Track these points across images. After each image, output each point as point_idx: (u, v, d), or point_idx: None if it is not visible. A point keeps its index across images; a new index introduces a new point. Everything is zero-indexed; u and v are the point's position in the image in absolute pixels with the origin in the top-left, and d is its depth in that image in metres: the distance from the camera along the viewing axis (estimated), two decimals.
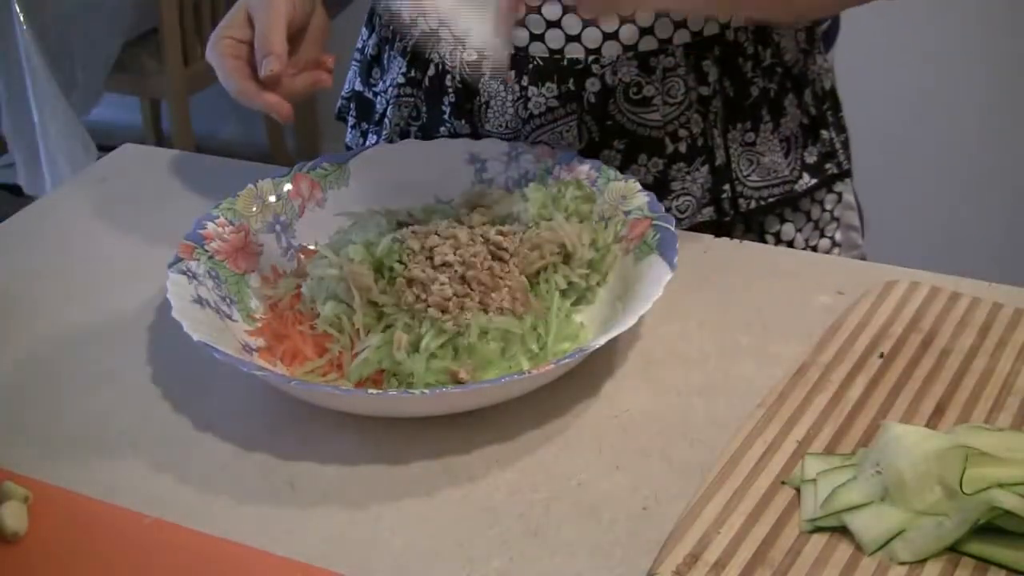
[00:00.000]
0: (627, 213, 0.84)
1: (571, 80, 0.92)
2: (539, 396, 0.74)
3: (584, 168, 0.87)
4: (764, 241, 0.99)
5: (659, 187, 0.94)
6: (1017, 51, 2.22)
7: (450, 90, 0.96)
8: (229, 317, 0.79)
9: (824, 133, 1.00)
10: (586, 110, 0.93)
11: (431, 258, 0.79)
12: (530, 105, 0.93)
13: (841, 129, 1.02)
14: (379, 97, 1.05)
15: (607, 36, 0.90)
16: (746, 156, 0.96)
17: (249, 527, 0.67)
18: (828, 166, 1.00)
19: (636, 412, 0.74)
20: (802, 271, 0.88)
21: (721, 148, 0.95)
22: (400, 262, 0.79)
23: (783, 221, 1.00)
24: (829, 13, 0.98)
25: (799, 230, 1.00)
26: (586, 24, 0.90)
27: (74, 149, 2.33)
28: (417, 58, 0.98)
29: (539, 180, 0.89)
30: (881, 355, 0.75)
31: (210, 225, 0.83)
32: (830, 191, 1.01)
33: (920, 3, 2.16)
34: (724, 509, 0.64)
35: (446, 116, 0.97)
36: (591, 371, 0.77)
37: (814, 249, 1.01)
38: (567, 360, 0.70)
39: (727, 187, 0.95)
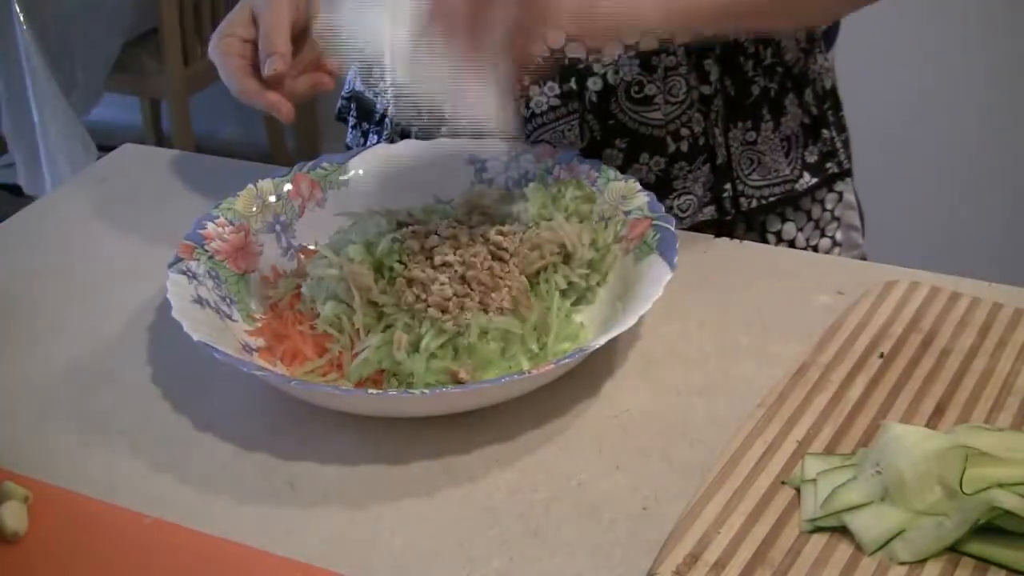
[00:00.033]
0: (627, 213, 0.84)
1: (572, 79, 0.92)
2: (539, 396, 0.74)
3: (584, 168, 0.87)
4: (765, 240, 0.99)
5: (661, 186, 0.94)
6: (1017, 51, 2.22)
7: None
8: (229, 317, 0.79)
9: (825, 132, 1.00)
10: (588, 109, 0.93)
11: (431, 258, 0.79)
12: (531, 104, 0.93)
13: (842, 128, 1.02)
14: (379, 97, 1.05)
15: None
16: (747, 155, 0.96)
17: (249, 527, 0.67)
18: (829, 165, 1.00)
19: (636, 412, 0.74)
20: (802, 271, 0.88)
21: (722, 147, 0.95)
22: (400, 262, 0.79)
23: (784, 220, 1.00)
24: (817, 23, 0.98)
25: (800, 229, 1.00)
26: None
27: (74, 149, 2.33)
28: None
29: (539, 180, 0.89)
30: (881, 355, 0.75)
31: (210, 225, 0.83)
32: (831, 190, 1.01)
33: (920, 3, 2.16)
34: (724, 509, 0.64)
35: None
36: (591, 371, 0.77)
37: (815, 248, 1.01)
38: (567, 360, 0.70)
39: (728, 186, 0.96)
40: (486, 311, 0.75)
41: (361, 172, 0.91)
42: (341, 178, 0.91)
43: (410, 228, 0.82)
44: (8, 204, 1.96)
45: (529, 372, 0.71)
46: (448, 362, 0.73)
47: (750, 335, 0.80)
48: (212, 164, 1.10)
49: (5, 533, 0.64)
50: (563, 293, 0.80)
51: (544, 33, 0.75)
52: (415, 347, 0.74)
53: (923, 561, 0.60)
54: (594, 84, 0.92)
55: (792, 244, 1.00)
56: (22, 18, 2.28)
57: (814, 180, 0.99)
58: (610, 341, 0.72)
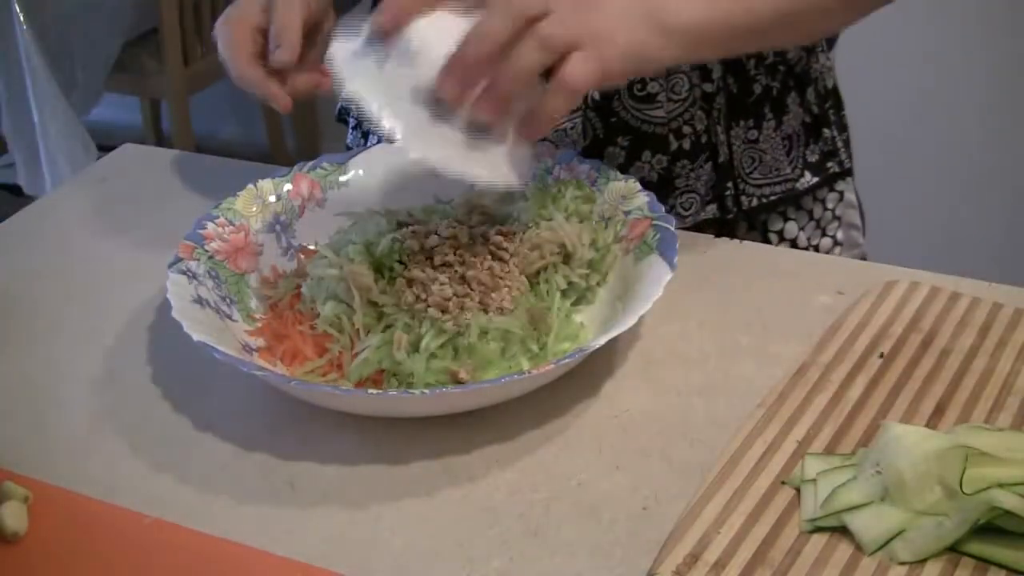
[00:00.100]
0: (627, 213, 0.84)
1: None
2: (539, 396, 0.73)
3: (584, 168, 0.87)
4: (767, 239, 0.99)
5: (663, 184, 0.94)
6: (1017, 51, 2.22)
7: None
8: (229, 317, 0.79)
9: (826, 131, 1.00)
10: (590, 107, 0.93)
11: (431, 258, 0.79)
12: None
13: (843, 128, 1.03)
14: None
15: None
16: (749, 153, 0.96)
17: (249, 527, 0.67)
18: (830, 164, 1.00)
19: (636, 412, 0.74)
20: (802, 271, 0.88)
21: (724, 145, 0.95)
22: (400, 262, 0.79)
23: (786, 219, 1.00)
24: (820, 37, 0.98)
25: (801, 228, 1.00)
26: None
27: (74, 149, 2.33)
28: None
29: (539, 180, 0.89)
30: (881, 355, 0.75)
31: (210, 225, 0.83)
32: (832, 189, 1.01)
33: (920, 3, 2.16)
34: (724, 509, 0.64)
35: None
36: (591, 371, 0.77)
37: (816, 248, 1.01)
38: (567, 360, 0.70)
39: (730, 185, 0.96)
40: (486, 311, 0.75)
41: (361, 172, 0.91)
42: (341, 178, 0.91)
43: (410, 228, 0.82)
44: (8, 204, 1.96)
45: (529, 372, 0.70)
46: (448, 362, 0.73)
47: (750, 335, 0.80)
48: (212, 164, 1.10)
49: (5, 533, 0.64)
50: (563, 293, 0.80)
51: (572, 91, 0.75)
52: (415, 347, 0.74)
53: (923, 561, 0.60)
54: (589, 84, 0.92)
55: (794, 243, 1.00)
56: (22, 18, 2.28)
57: (815, 179, 0.99)
58: (610, 341, 0.72)
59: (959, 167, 2.32)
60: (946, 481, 0.61)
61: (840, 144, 1.01)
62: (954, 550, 0.60)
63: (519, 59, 0.73)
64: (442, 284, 0.76)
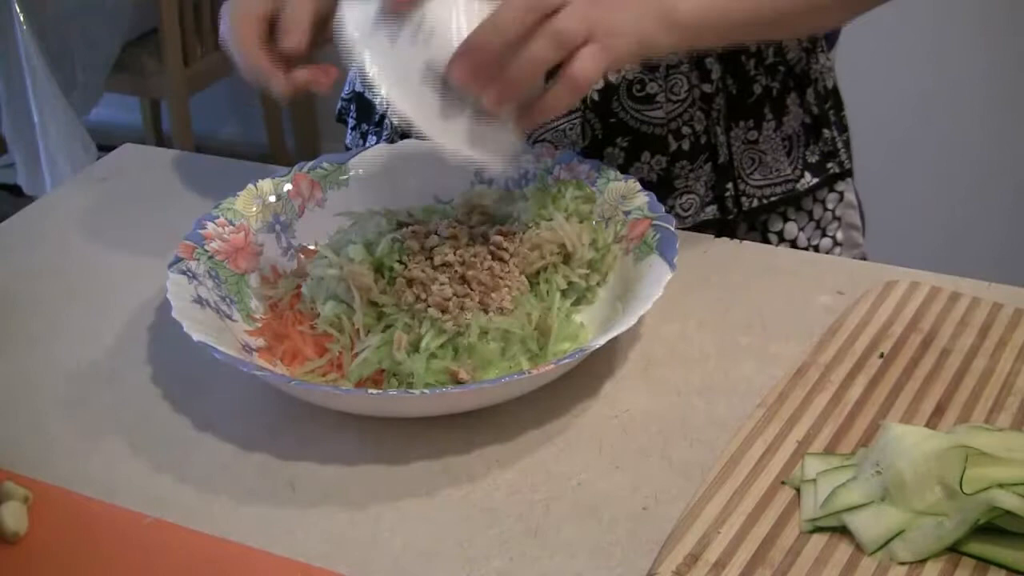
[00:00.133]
0: (627, 213, 0.84)
1: None
2: (539, 396, 0.73)
3: (584, 168, 0.87)
4: (767, 240, 0.99)
5: (663, 185, 0.94)
6: (1017, 51, 2.22)
7: None
8: (229, 317, 0.79)
9: (826, 132, 1.00)
10: (589, 107, 0.93)
11: (431, 258, 0.79)
12: None
13: (843, 128, 1.03)
14: (379, 98, 1.05)
15: None
16: (748, 154, 0.96)
17: (249, 527, 0.67)
18: (830, 165, 1.00)
19: (636, 412, 0.74)
20: (802, 271, 0.88)
21: (724, 146, 0.95)
22: (400, 262, 0.79)
23: (786, 220, 1.00)
24: (821, 31, 0.98)
25: (801, 229, 1.00)
26: None
27: (74, 149, 2.33)
28: None
29: (539, 180, 0.89)
30: (881, 355, 0.75)
31: (210, 225, 0.83)
32: (832, 190, 1.01)
33: (921, 3, 2.16)
34: (724, 509, 0.64)
35: None
36: (591, 371, 0.77)
37: (816, 248, 1.01)
38: (567, 360, 0.70)
39: (730, 185, 0.96)
40: (486, 311, 0.75)
41: (361, 172, 0.91)
42: (341, 178, 0.91)
43: (410, 228, 0.82)
44: (8, 204, 1.96)
45: (529, 372, 0.70)
46: (448, 362, 0.73)
47: (750, 335, 0.80)
48: (212, 164, 1.10)
49: (5, 533, 0.64)
50: (563, 293, 0.80)
51: (581, 83, 0.75)
52: (415, 347, 0.74)
53: (923, 561, 0.60)
54: (595, 81, 0.92)
55: (793, 244, 1.00)
56: (22, 18, 2.28)
57: (815, 180, 0.99)
58: (610, 341, 0.72)
59: (959, 167, 2.32)
60: (946, 481, 0.61)
61: (840, 144, 1.01)
62: (954, 550, 0.60)
63: (532, 53, 0.73)
64: (442, 284, 0.76)
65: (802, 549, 0.61)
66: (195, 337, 0.72)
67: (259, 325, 0.81)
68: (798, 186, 0.98)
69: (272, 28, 0.84)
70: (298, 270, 0.85)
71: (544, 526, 0.66)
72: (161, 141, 3.01)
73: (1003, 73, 2.24)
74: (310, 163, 0.91)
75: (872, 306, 0.80)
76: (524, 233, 0.82)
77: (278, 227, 0.87)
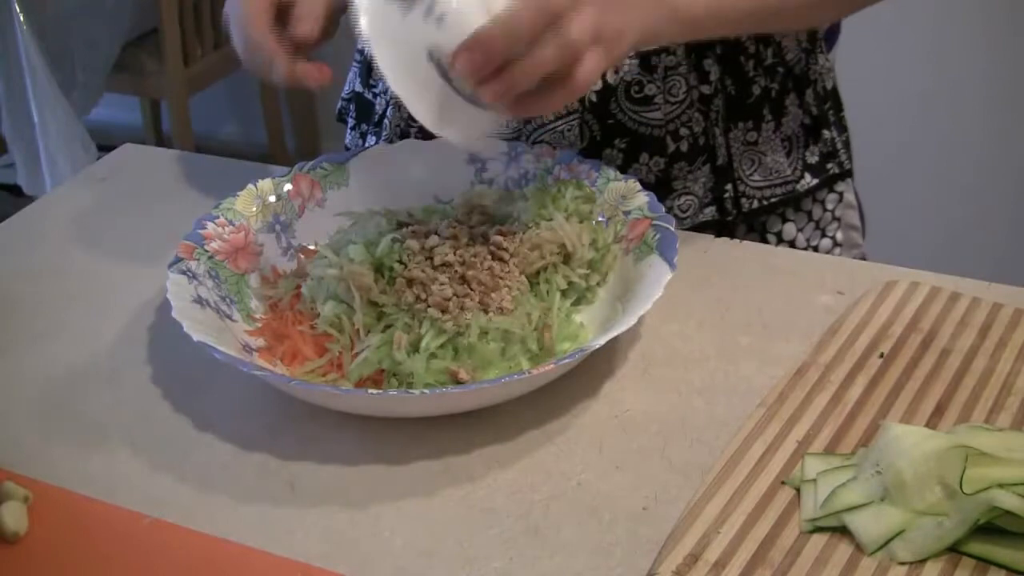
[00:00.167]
0: (627, 213, 0.84)
1: None
2: (539, 396, 0.73)
3: (584, 168, 0.87)
4: (766, 241, 0.99)
5: (661, 186, 0.94)
6: (1017, 51, 2.22)
7: None
8: (229, 317, 0.79)
9: (826, 133, 1.00)
10: (587, 109, 0.93)
11: (431, 258, 0.79)
12: None
13: (843, 129, 1.02)
14: (379, 98, 1.05)
15: None
16: (748, 155, 0.96)
17: (249, 527, 0.67)
18: (830, 166, 1.00)
19: (636, 412, 0.74)
20: (802, 271, 0.88)
21: (723, 147, 0.95)
22: (400, 262, 0.79)
23: (785, 221, 1.00)
24: (817, 26, 0.98)
25: (800, 230, 1.00)
26: None
27: (74, 149, 2.33)
28: None
29: (539, 180, 0.89)
30: (881, 355, 0.75)
31: (210, 225, 0.83)
32: (831, 191, 1.01)
33: (921, 3, 2.16)
34: (724, 509, 0.64)
35: None
36: (591, 371, 0.77)
37: (815, 249, 1.01)
38: (567, 360, 0.70)
39: (729, 187, 0.96)
40: (486, 311, 0.75)
41: (361, 172, 0.91)
42: (341, 178, 0.91)
43: (410, 228, 0.82)
44: (8, 204, 1.96)
45: (529, 372, 0.71)
46: (448, 362, 0.73)
47: (750, 335, 0.80)
48: (212, 164, 1.10)
49: (5, 533, 0.64)
50: (563, 293, 0.80)
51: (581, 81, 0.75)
52: (415, 347, 0.74)
53: (923, 561, 0.60)
54: (594, 84, 0.92)
55: (792, 244, 1.00)
56: (22, 18, 2.27)
57: (815, 181, 0.99)
58: (610, 341, 0.72)
59: (959, 167, 2.32)
60: (946, 481, 0.61)
61: (840, 145, 1.01)
62: (954, 550, 0.60)
63: (538, 59, 0.72)
64: (442, 284, 0.76)
65: (802, 549, 0.61)
66: (195, 337, 0.72)
67: (259, 325, 0.81)
68: (798, 187, 0.98)
69: (280, 15, 0.84)
70: (298, 270, 0.85)
71: (544, 526, 0.66)
72: (161, 141, 3.01)
73: (1003, 73, 2.24)
74: (310, 163, 0.91)
75: (872, 306, 0.80)
76: (524, 233, 0.82)
77: (278, 227, 0.87)
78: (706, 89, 0.93)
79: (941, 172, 2.34)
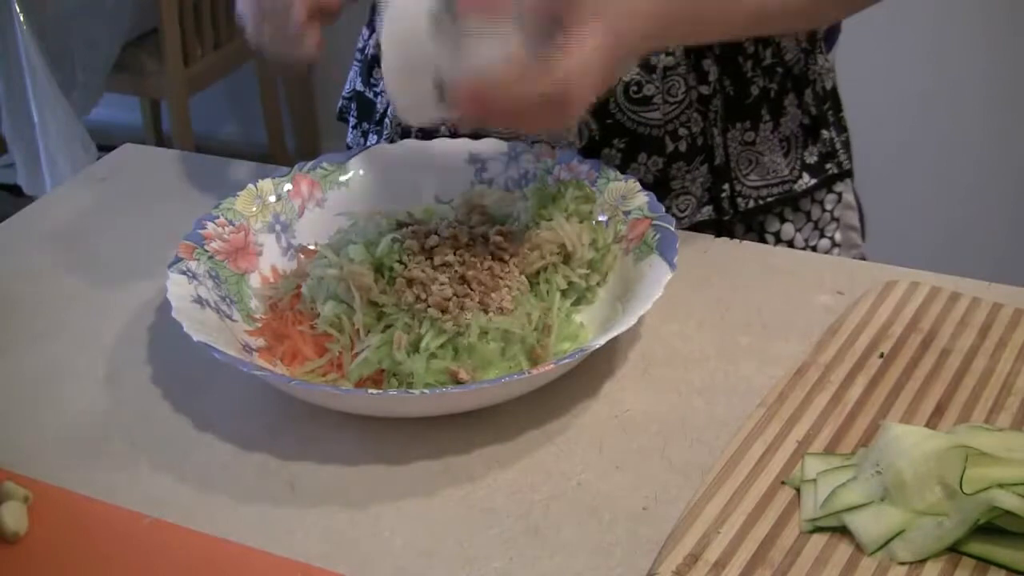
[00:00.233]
0: (627, 213, 0.84)
1: None
2: (539, 396, 0.73)
3: (584, 168, 0.87)
4: (764, 241, 0.99)
5: (659, 186, 0.94)
6: (1017, 51, 2.22)
7: None
8: (229, 317, 0.79)
9: (825, 133, 1.00)
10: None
11: (431, 258, 0.79)
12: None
13: (842, 129, 1.02)
14: (380, 97, 1.05)
15: None
16: (745, 155, 0.96)
17: (249, 527, 0.67)
18: (828, 166, 1.00)
19: (636, 412, 0.74)
20: (802, 271, 0.88)
21: (721, 147, 0.95)
22: (400, 262, 0.79)
23: (783, 221, 1.00)
24: (818, 26, 0.98)
25: (799, 230, 1.00)
26: None
27: (74, 149, 2.33)
28: None
29: (539, 180, 0.89)
30: (881, 355, 0.75)
31: (210, 225, 0.83)
32: (830, 191, 1.01)
33: (921, 3, 2.16)
34: (724, 509, 0.64)
35: None
36: (591, 371, 0.77)
37: (814, 249, 1.01)
38: (567, 360, 0.70)
39: (726, 186, 0.96)
40: (486, 311, 0.75)
41: (361, 172, 0.91)
42: (341, 178, 0.91)
43: (410, 228, 0.82)
44: (8, 204, 1.96)
45: (529, 372, 0.71)
46: (448, 362, 0.73)
47: (750, 335, 0.80)
48: (212, 164, 1.10)
49: (5, 533, 0.64)
50: (563, 293, 0.80)
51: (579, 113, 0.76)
52: (415, 347, 0.74)
53: (923, 561, 0.60)
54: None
55: (791, 245, 1.00)
56: (22, 18, 2.27)
57: (813, 181, 0.99)
58: (610, 341, 0.72)
59: (959, 167, 2.32)
60: (946, 481, 0.61)
61: (839, 145, 1.01)
62: (954, 550, 0.60)
63: (532, 122, 0.75)
64: (442, 284, 0.76)
65: (802, 549, 0.61)
66: (195, 337, 0.72)
67: (259, 325, 0.81)
68: (795, 187, 0.98)
69: None
70: (298, 270, 0.85)
71: (544, 526, 0.66)
72: (161, 141, 3.01)
73: (1003, 73, 2.24)
74: (310, 163, 0.91)
75: (872, 306, 0.80)
76: (524, 233, 0.82)
77: (278, 227, 0.87)
78: (705, 89, 0.93)
79: (941, 172, 2.34)
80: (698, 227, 0.96)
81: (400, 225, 0.83)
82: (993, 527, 0.60)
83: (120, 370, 0.80)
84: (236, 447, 0.73)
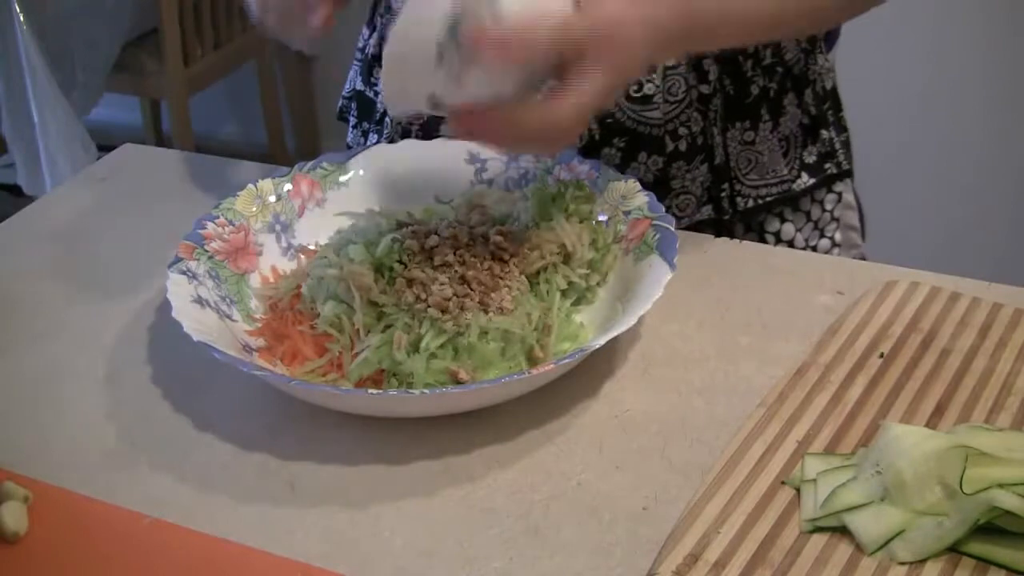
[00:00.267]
0: (627, 213, 0.84)
1: None
2: (539, 396, 0.73)
3: (584, 168, 0.87)
4: (764, 241, 0.99)
5: (659, 185, 0.94)
6: (1017, 51, 2.22)
7: None
8: (229, 317, 0.79)
9: (824, 133, 1.00)
10: None
11: (431, 258, 0.79)
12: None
13: (842, 129, 1.02)
14: (380, 96, 1.05)
15: None
16: (745, 155, 0.96)
17: (249, 527, 0.67)
18: (828, 166, 1.00)
19: (636, 412, 0.74)
20: (802, 271, 0.88)
21: (720, 147, 0.95)
22: (400, 262, 0.79)
23: (783, 221, 1.00)
24: (822, 30, 0.99)
25: (799, 230, 1.00)
26: None
27: (74, 149, 2.33)
28: None
29: (539, 180, 0.89)
30: (881, 355, 0.75)
31: (210, 225, 0.83)
32: (830, 191, 1.01)
33: (921, 3, 2.16)
34: (724, 509, 0.64)
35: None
36: (591, 371, 0.77)
37: (814, 249, 1.01)
38: (567, 360, 0.70)
39: (726, 186, 0.96)
40: (486, 311, 0.75)
41: (361, 172, 0.91)
42: (341, 178, 0.91)
43: (410, 228, 0.82)
44: (8, 204, 1.96)
45: (529, 372, 0.70)
46: (448, 362, 0.73)
47: (750, 335, 0.80)
48: (212, 164, 1.10)
49: (5, 533, 0.64)
50: (563, 293, 0.80)
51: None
52: (415, 347, 0.74)
53: (923, 561, 0.60)
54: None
55: (791, 245, 1.00)
56: (22, 18, 2.28)
57: (812, 181, 0.99)
58: (610, 341, 0.72)
59: (959, 167, 2.32)
60: (946, 481, 0.61)
61: (839, 145, 1.01)
62: (954, 550, 0.60)
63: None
64: (442, 284, 0.76)
65: (802, 549, 0.61)
66: (195, 337, 0.72)
67: (259, 325, 0.81)
68: (794, 187, 0.98)
69: None
70: (298, 270, 0.85)
71: (544, 526, 0.66)
72: (161, 141, 3.01)
73: (1003, 73, 2.24)
74: (310, 163, 0.91)
75: (872, 306, 0.80)
76: (524, 233, 0.82)
77: (278, 227, 0.87)
78: (705, 89, 0.93)
79: (941, 172, 2.35)
80: (698, 227, 0.96)
81: (400, 225, 0.83)
82: (993, 527, 0.60)
83: (120, 370, 0.80)
84: (236, 447, 0.73)
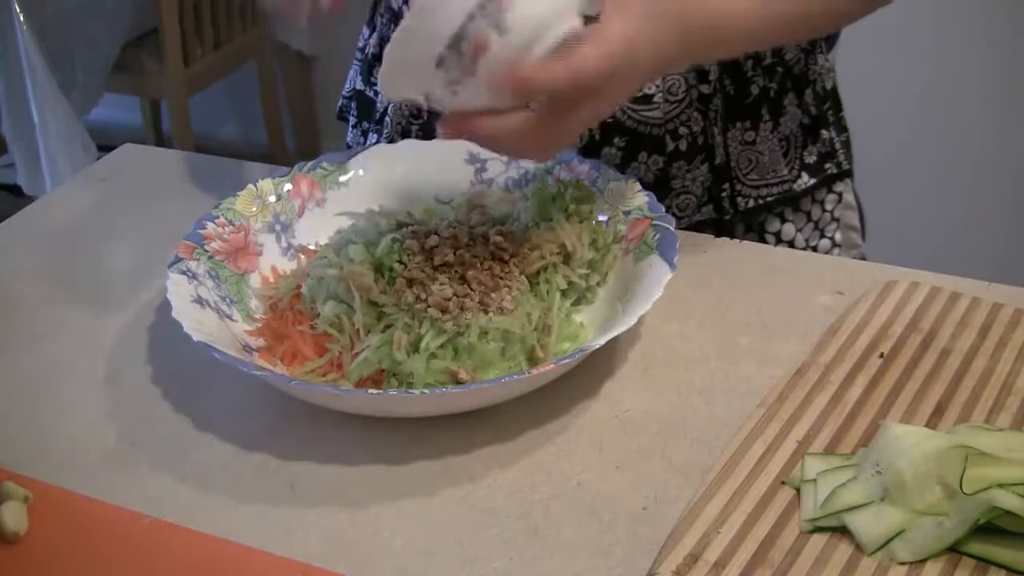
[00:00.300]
0: (627, 213, 0.84)
1: None
2: (539, 396, 0.73)
3: (584, 168, 0.87)
4: (764, 241, 0.99)
5: (659, 185, 0.94)
6: (1017, 51, 2.22)
7: None
8: (229, 317, 0.79)
9: (824, 133, 1.00)
10: None
11: (431, 258, 0.79)
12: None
13: (842, 129, 1.02)
14: (380, 96, 1.05)
15: None
16: (745, 155, 0.96)
17: (249, 527, 0.67)
18: (828, 166, 1.00)
19: (636, 412, 0.74)
20: (802, 271, 0.88)
21: (720, 147, 0.95)
22: (400, 262, 0.79)
23: (783, 221, 1.00)
24: (816, 35, 0.99)
25: (799, 230, 1.00)
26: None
27: (74, 149, 2.33)
28: None
29: (539, 180, 0.89)
30: (881, 355, 0.75)
31: (210, 225, 0.83)
32: (830, 191, 1.01)
33: (921, 3, 2.16)
34: (724, 509, 0.64)
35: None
36: (591, 371, 0.77)
37: (814, 249, 1.01)
38: (567, 360, 0.70)
39: (726, 186, 0.96)
40: (486, 311, 0.75)
41: (361, 172, 0.91)
42: (341, 178, 0.91)
43: (410, 228, 0.82)
44: (8, 204, 1.96)
45: (529, 372, 0.70)
46: (448, 362, 0.73)
47: (750, 335, 0.80)
48: (212, 164, 1.10)
49: (5, 533, 0.64)
50: (563, 293, 0.80)
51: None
52: (415, 347, 0.74)
53: (923, 561, 0.60)
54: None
55: (791, 245, 1.00)
56: (22, 18, 2.28)
57: (812, 181, 0.99)
58: (610, 341, 0.72)
59: (959, 167, 2.32)
60: (946, 481, 0.61)
61: (839, 145, 1.01)
62: (954, 550, 0.60)
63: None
64: (442, 284, 0.76)
65: (802, 549, 0.61)
66: (195, 337, 0.72)
67: (259, 325, 0.81)
68: (795, 187, 0.98)
69: None
70: (298, 270, 0.85)
71: (544, 526, 0.66)
72: (161, 141, 3.01)
73: (1003, 73, 2.24)
74: (310, 163, 0.91)
75: (872, 306, 0.80)
76: (524, 233, 0.82)
77: (278, 227, 0.87)
78: (705, 88, 0.93)
79: (941, 172, 2.35)
80: (698, 227, 0.96)
81: (400, 225, 0.83)
82: (993, 527, 0.60)
83: (120, 370, 0.80)
84: (236, 447, 0.73)
